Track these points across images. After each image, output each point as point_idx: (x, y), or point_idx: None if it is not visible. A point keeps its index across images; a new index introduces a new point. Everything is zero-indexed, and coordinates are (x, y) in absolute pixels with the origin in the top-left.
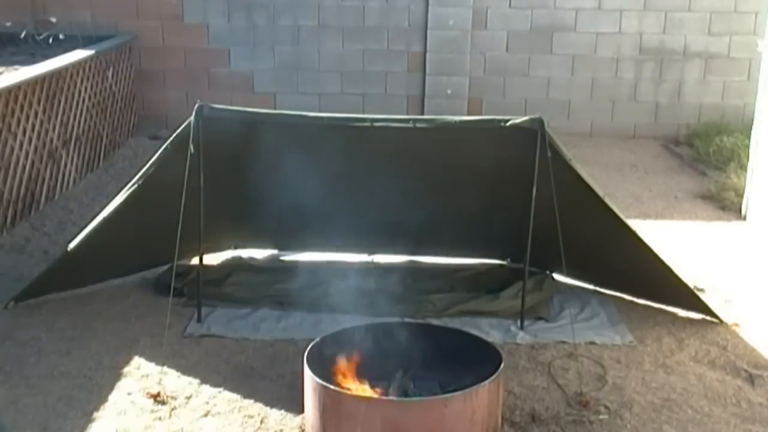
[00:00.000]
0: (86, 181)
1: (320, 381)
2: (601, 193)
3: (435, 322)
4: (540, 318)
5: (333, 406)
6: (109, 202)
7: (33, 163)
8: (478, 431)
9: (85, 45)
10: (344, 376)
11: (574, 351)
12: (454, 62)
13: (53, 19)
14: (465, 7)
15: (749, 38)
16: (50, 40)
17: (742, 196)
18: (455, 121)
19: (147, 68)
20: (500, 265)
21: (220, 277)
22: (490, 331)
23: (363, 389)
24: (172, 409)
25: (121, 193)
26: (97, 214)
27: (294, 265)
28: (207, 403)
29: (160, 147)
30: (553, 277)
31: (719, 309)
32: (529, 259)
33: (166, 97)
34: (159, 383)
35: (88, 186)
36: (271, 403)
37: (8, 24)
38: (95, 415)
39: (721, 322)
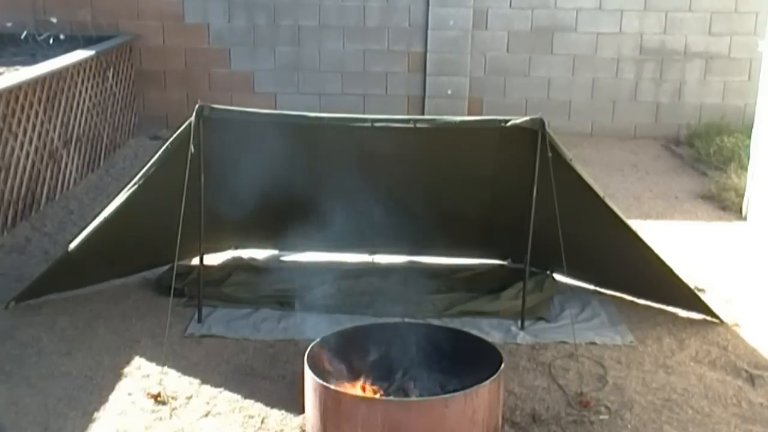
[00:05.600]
0: (87, 181)
1: (321, 381)
2: (601, 193)
3: (435, 322)
4: (540, 318)
5: (333, 406)
6: (109, 203)
7: (33, 163)
8: (479, 431)
9: (85, 45)
10: (345, 376)
11: (575, 351)
12: (455, 62)
13: (54, 20)
14: (465, 7)
15: (750, 38)
16: (51, 41)
17: (742, 196)
18: (456, 122)
19: (147, 68)
20: (501, 266)
21: (221, 277)
22: (490, 331)
23: (363, 389)
24: (173, 410)
25: (122, 194)
26: (98, 214)
27: (294, 266)
28: (207, 403)
29: (160, 147)
30: (553, 278)
31: (720, 309)
32: (529, 260)
33: (167, 98)
34: (159, 383)
35: (88, 186)
36: (271, 403)
37: (9, 24)
38: (96, 415)
39: (722, 322)
